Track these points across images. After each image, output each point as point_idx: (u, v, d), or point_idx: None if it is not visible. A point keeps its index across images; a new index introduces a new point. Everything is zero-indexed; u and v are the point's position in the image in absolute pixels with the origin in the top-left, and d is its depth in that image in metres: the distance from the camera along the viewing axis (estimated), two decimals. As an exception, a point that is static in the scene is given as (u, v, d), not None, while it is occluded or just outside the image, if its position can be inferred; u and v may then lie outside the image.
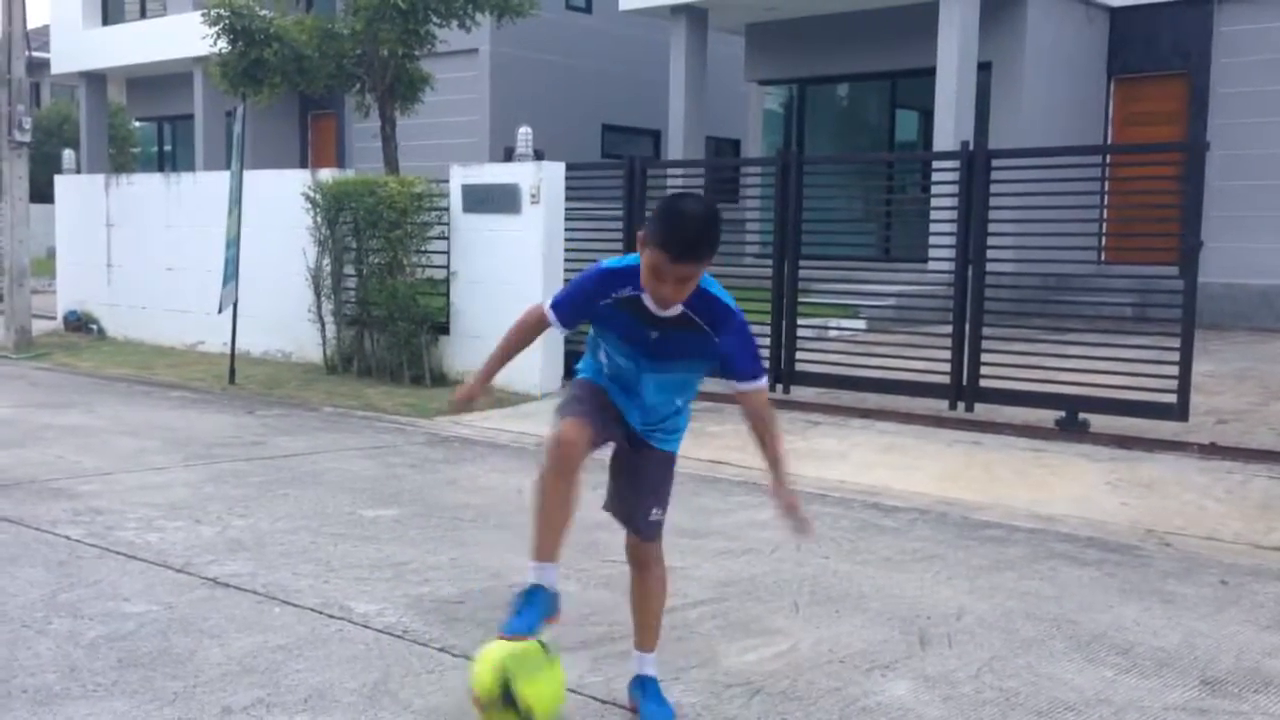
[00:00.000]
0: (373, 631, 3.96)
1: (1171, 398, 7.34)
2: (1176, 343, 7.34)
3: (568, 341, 9.79)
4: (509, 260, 9.61)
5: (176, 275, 12.40)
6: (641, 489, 3.32)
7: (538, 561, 3.09)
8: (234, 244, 9.98)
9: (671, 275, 2.93)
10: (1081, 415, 7.68)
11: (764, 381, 3.18)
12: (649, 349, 3.12)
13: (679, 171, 11.87)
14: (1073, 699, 3.53)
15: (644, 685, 3.33)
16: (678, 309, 3.03)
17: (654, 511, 3.33)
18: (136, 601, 4.20)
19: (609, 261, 3.16)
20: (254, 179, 10.89)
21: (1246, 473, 6.63)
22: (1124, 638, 4.10)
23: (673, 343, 3.09)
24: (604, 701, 3.41)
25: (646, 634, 3.38)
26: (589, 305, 3.17)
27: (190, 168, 21.41)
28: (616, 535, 5.30)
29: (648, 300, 3.04)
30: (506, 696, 2.85)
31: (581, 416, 3.11)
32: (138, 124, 27.73)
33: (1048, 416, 7.82)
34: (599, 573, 4.71)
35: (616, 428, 3.26)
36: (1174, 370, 7.33)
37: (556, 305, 3.23)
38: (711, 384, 10.05)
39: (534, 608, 2.99)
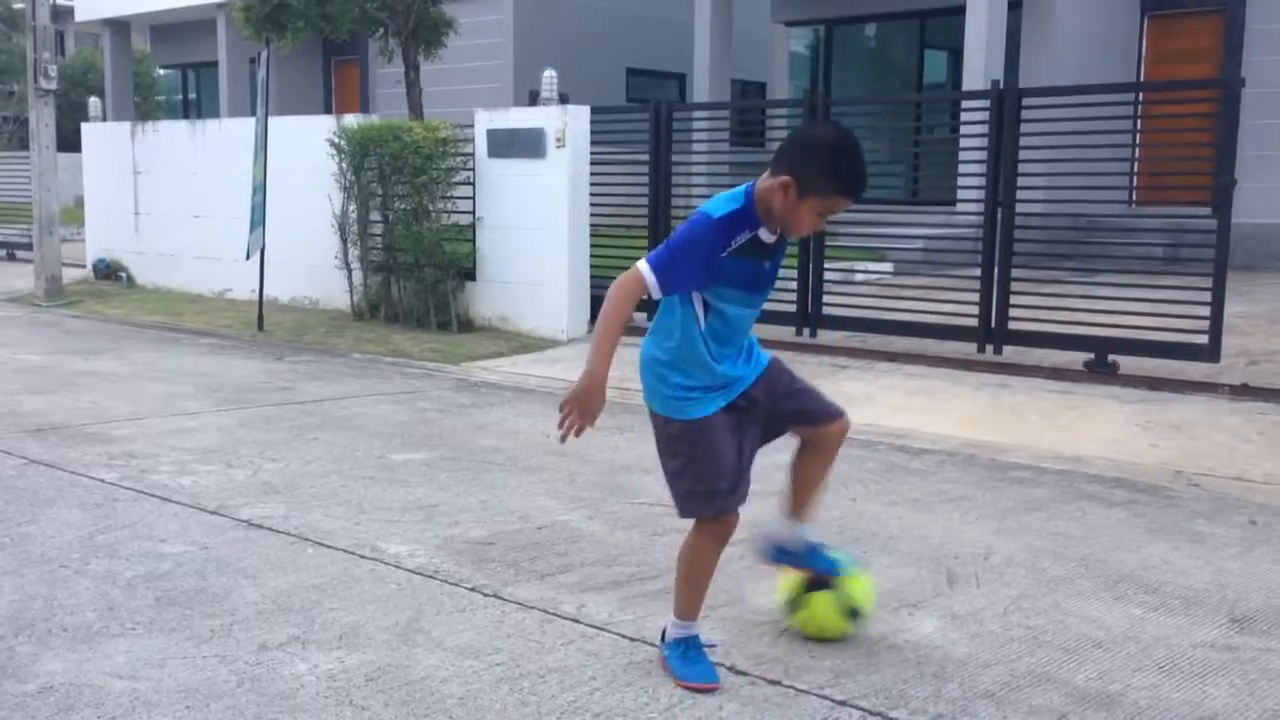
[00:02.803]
0: (404, 572, 4.01)
1: (1203, 339, 7.27)
2: (1208, 283, 7.26)
3: (594, 286, 9.79)
4: (534, 205, 9.59)
5: (203, 222, 12.44)
6: (802, 385, 3.23)
7: (686, 619, 3.20)
8: (260, 190, 10.00)
9: (836, 212, 2.96)
10: (1111, 357, 7.63)
11: None
12: (764, 281, 3.05)
13: (704, 114, 11.76)
14: (1100, 636, 3.54)
15: (815, 547, 3.35)
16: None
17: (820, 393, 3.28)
18: (172, 543, 4.27)
19: (712, 210, 2.92)
20: (279, 125, 10.88)
21: (1278, 413, 6.58)
22: (1152, 577, 4.10)
23: (776, 262, 3.08)
24: (632, 639, 3.45)
25: (813, 507, 3.37)
26: (706, 264, 2.91)
27: (214, 115, 21.39)
28: (644, 478, 5.35)
29: (764, 235, 2.96)
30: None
31: (735, 507, 3.09)
32: (162, 71, 27.70)
33: (1077, 359, 7.77)
34: (626, 514, 4.75)
35: (750, 465, 3.15)
36: (1205, 311, 7.26)
37: (661, 271, 2.90)
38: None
39: (699, 657, 3.18)
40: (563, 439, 2.98)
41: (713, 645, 3.26)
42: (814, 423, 3.22)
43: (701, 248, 2.90)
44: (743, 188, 2.98)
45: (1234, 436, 6.20)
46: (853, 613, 3.38)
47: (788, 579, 3.45)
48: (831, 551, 3.41)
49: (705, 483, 3.05)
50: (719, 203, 2.95)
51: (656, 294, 2.95)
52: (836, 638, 3.40)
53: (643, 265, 2.92)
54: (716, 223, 2.90)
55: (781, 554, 3.40)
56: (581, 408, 2.95)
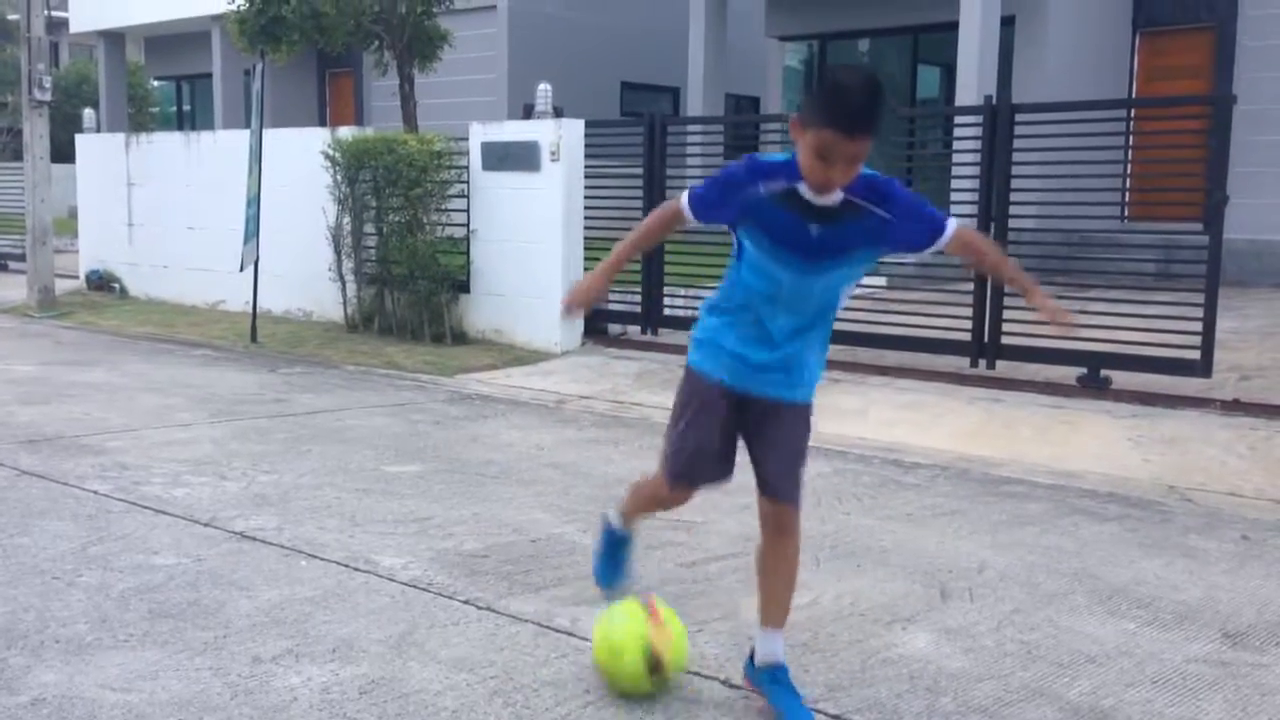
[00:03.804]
0: (398, 584, 4.00)
1: (1195, 354, 7.30)
2: (1200, 299, 7.29)
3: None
4: (529, 218, 9.61)
5: (197, 234, 12.44)
6: (783, 451, 3.04)
7: (625, 520, 3.60)
8: (254, 202, 10.00)
9: (842, 155, 2.69)
10: (1103, 372, 7.65)
11: (955, 221, 2.92)
12: (809, 249, 2.85)
13: (699, 128, 11.79)
14: (1094, 651, 3.55)
15: (776, 675, 3.05)
16: (839, 196, 2.80)
17: (797, 472, 3.06)
18: (165, 554, 4.26)
19: (755, 156, 2.93)
20: (273, 137, 10.89)
21: (1270, 429, 6.60)
22: (1145, 592, 4.11)
23: (837, 236, 2.85)
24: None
25: (778, 609, 3.09)
26: (736, 196, 2.88)
27: (209, 127, 21.41)
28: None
29: (805, 191, 2.81)
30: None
31: (688, 483, 3.19)
32: (156, 83, 27.71)
33: (1069, 374, 7.79)
34: (621, 527, 4.74)
35: (732, 453, 3.11)
36: (1197, 326, 7.28)
37: (695, 196, 2.96)
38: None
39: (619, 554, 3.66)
40: (564, 313, 3.33)
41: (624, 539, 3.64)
42: (763, 488, 3.08)
43: (733, 178, 2.91)
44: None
45: (1226, 451, 6.22)
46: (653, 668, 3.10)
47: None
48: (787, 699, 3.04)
49: (669, 442, 3.20)
50: (763, 155, 2.96)
51: (688, 214, 3.00)
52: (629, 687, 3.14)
53: (682, 193, 3.02)
54: (753, 161, 2.90)
55: (750, 668, 3.16)
56: (576, 290, 3.17)
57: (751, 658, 3.16)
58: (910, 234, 2.91)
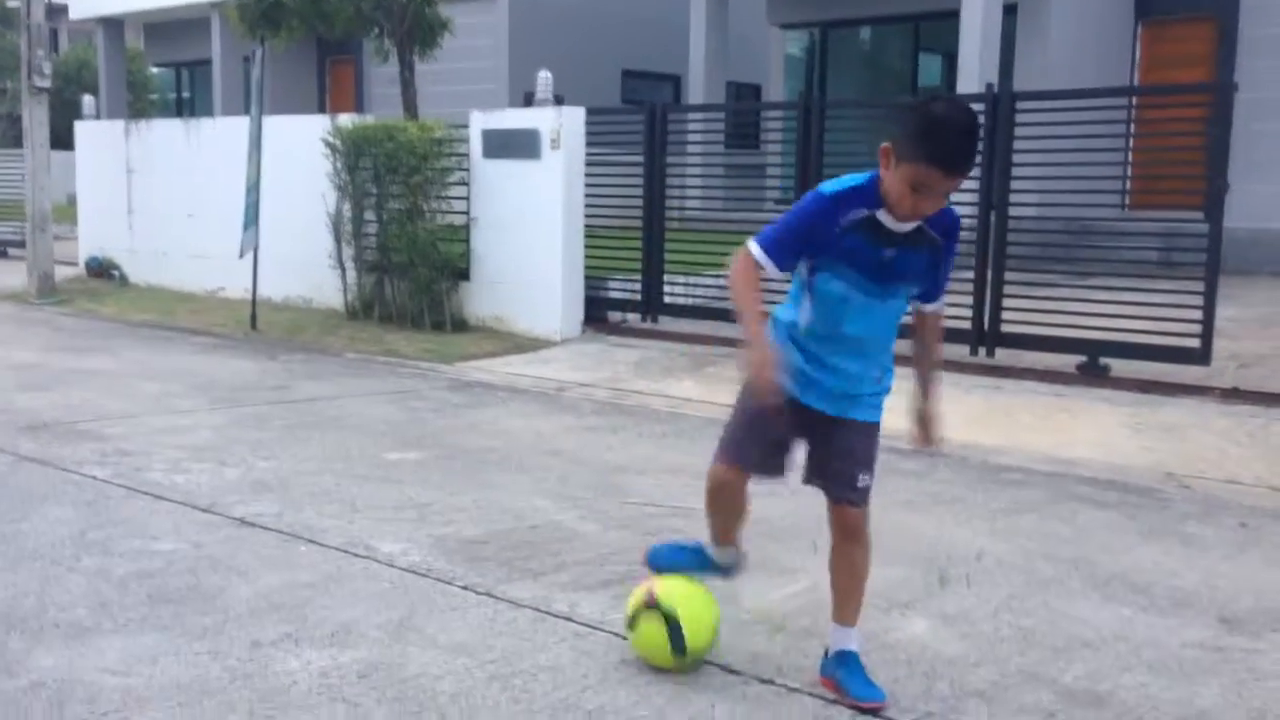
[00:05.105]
0: (397, 570, 4.01)
1: (1195, 342, 7.30)
2: (1200, 287, 7.29)
3: (589, 287, 9.80)
4: (529, 206, 9.60)
5: (197, 221, 12.43)
6: (848, 459, 3.05)
7: (717, 544, 3.35)
8: (254, 189, 9.99)
9: (937, 190, 2.72)
10: (1103, 360, 7.65)
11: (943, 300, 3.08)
12: (880, 272, 2.88)
13: (699, 116, 11.77)
14: (1090, 636, 3.56)
15: (848, 660, 3.10)
16: (914, 222, 2.84)
17: (862, 478, 3.06)
18: (165, 540, 4.27)
19: (825, 187, 2.88)
20: (273, 124, 10.87)
21: (1268, 417, 6.61)
22: (1142, 578, 4.12)
23: (905, 261, 2.89)
24: (625, 638, 3.45)
25: (850, 607, 3.12)
26: (814, 236, 2.86)
27: (208, 113, 21.37)
28: (637, 479, 5.36)
29: (884, 218, 2.83)
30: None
31: (736, 461, 3.08)
32: (155, 70, 27.65)
33: (1069, 361, 7.79)
34: (619, 514, 4.75)
35: (786, 448, 3.10)
36: (1197, 315, 7.28)
37: (768, 246, 2.89)
38: (726, 329, 9.96)
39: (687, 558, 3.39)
40: (771, 412, 2.92)
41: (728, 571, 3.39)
42: (827, 493, 3.11)
43: (808, 219, 2.87)
44: (871, 172, 2.89)
45: (1225, 439, 6.22)
46: (678, 649, 3.17)
47: (635, 595, 3.29)
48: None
49: (728, 429, 3.11)
50: (832, 183, 2.89)
51: (771, 269, 2.90)
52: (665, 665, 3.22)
53: (751, 243, 2.92)
54: (827, 198, 2.86)
55: (825, 665, 3.18)
56: (757, 369, 2.82)
57: (826, 654, 3.18)
58: (937, 276, 3.01)
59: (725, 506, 3.20)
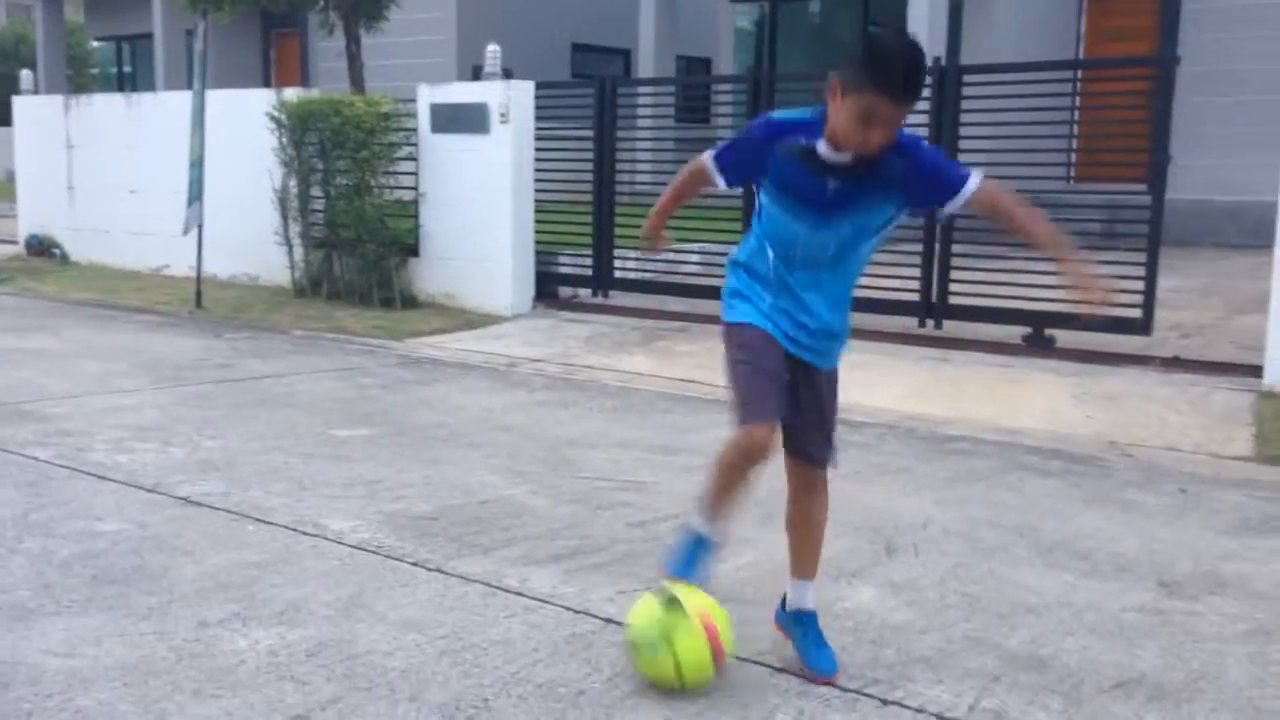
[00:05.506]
0: (347, 547, 3.99)
1: (1137, 313, 7.42)
2: (1143, 258, 7.40)
3: (540, 262, 9.77)
4: (478, 181, 9.53)
5: (140, 198, 12.21)
6: (814, 414, 3.04)
7: (709, 516, 3.03)
8: (198, 165, 9.83)
9: (886, 120, 2.72)
10: (1048, 331, 7.76)
11: (978, 178, 2.90)
12: (822, 203, 2.86)
13: (649, 90, 11.74)
14: (1034, 602, 3.62)
15: (803, 621, 3.11)
16: (851, 154, 2.81)
17: (828, 433, 3.07)
18: (109, 521, 4.22)
19: (775, 113, 2.99)
20: (217, 99, 10.69)
21: (1208, 385, 6.74)
22: (1085, 544, 4.19)
23: (849, 194, 2.85)
24: (576, 611, 3.46)
25: (808, 561, 3.14)
26: (756, 154, 2.94)
27: (150, 88, 20.99)
28: (588, 453, 5.37)
29: (823, 149, 2.83)
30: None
31: (768, 417, 2.88)
32: (96, 44, 27.10)
33: (1015, 333, 7.89)
34: (570, 489, 4.76)
35: (787, 382, 2.99)
36: (1139, 286, 7.40)
37: (719, 154, 3.08)
38: (677, 303, 10.01)
39: (695, 554, 3.05)
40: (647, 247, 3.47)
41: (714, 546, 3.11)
42: (789, 445, 3.07)
43: (751, 137, 2.98)
44: (821, 107, 2.87)
45: (1165, 408, 6.34)
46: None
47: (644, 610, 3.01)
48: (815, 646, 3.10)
49: (738, 389, 2.96)
50: (781, 111, 2.98)
51: (713, 170, 3.09)
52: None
53: (705, 153, 3.10)
54: (770, 120, 2.97)
55: (781, 613, 3.21)
56: (646, 232, 3.36)
57: (783, 604, 3.22)
58: (928, 191, 2.91)
59: (747, 476, 2.97)
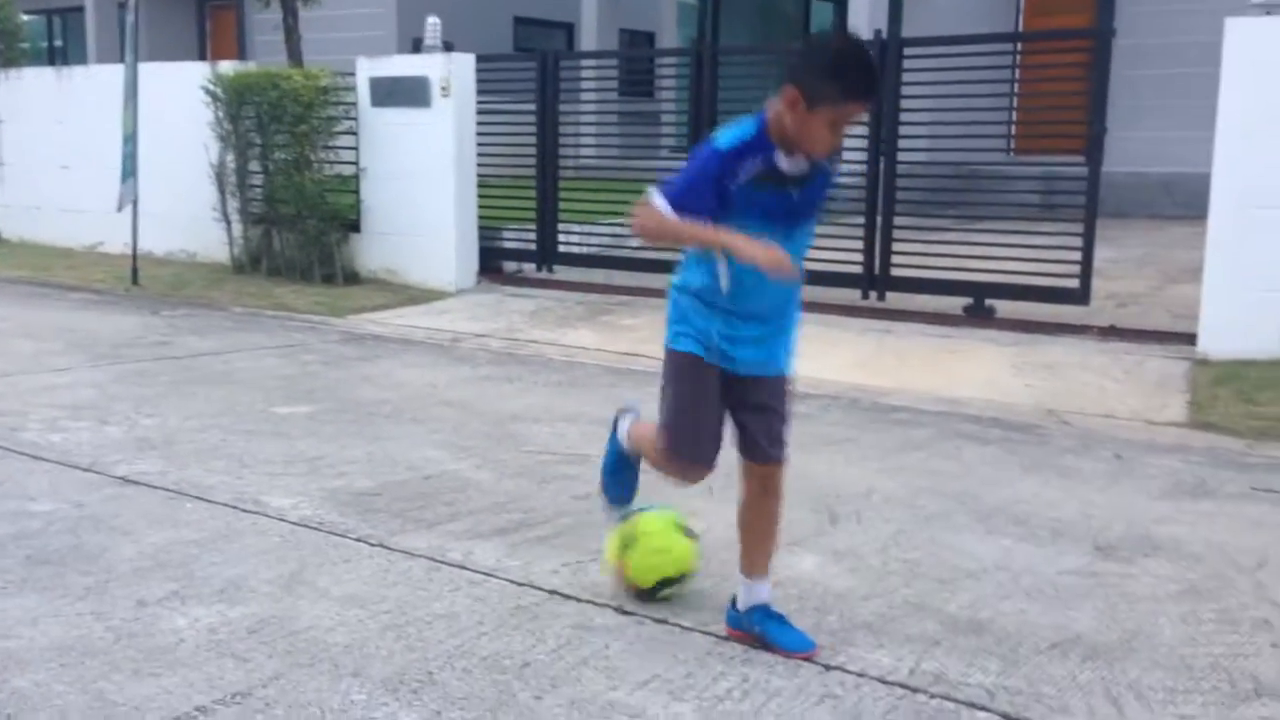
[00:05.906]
0: (288, 524, 3.95)
1: (1074, 283, 7.52)
2: (1080, 229, 7.50)
3: (483, 237, 9.69)
4: (420, 155, 9.43)
5: (72, 173, 11.95)
6: (767, 415, 3.02)
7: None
8: (131, 140, 9.63)
9: (850, 121, 2.78)
10: (988, 302, 7.85)
11: None
12: (791, 214, 2.86)
13: (592, 64, 11.66)
14: (973, 567, 3.68)
15: (769, 614, 3.11)
16: (806, 159, 2.81)
17: (781, 432, 3.04)
18: (43, 500, 4.14)
19: (719, 142, 2.81)
20: (150, 72, 10.46)
21: (1143, 353, 6.86)
22: (1022, 510, 4.26)
23: (808, 198, 2.89)
24: (520, 584, 3.46)
25: (762, 559, 3.14)
26: (714, 190, 2.78)
27: (82, 62, 20.49)
28: (533, 427, 5.35)
29: (781, 161, 2.79)
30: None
31: (706, 461, 3.02)
32: (26, 17, 26.35)
33: (956, 304, 7.97)
34: (514, 463, 4.75)
35: (723, 413, 3.03)
36: (1077, 256, 7.50)
37: (672, 200, 2.78)
38: (621, 277, 10.00)
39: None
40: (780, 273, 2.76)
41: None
42: (750, 452, 3.06)
43: (706, 178, 2.79)
44: (755, 115, 2.82)
45: (1102, 376, 6.45)
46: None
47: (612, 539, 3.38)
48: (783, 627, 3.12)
49: (669, 417, 3.05)
50: (724, 136, 2.82)
51: (684, 220, 2.81)
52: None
53: (655, 197, 2.79)
54: (721, 154, 2.78)
55: (733, 617, 3.19)
56: (762, 250, 2.72)
57: (734, 605, 3.16)
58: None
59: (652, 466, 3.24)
